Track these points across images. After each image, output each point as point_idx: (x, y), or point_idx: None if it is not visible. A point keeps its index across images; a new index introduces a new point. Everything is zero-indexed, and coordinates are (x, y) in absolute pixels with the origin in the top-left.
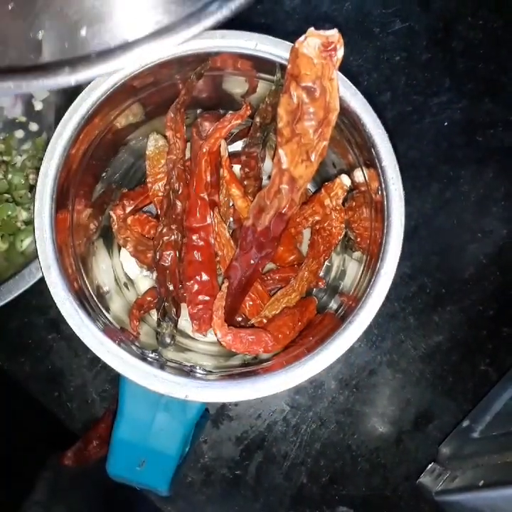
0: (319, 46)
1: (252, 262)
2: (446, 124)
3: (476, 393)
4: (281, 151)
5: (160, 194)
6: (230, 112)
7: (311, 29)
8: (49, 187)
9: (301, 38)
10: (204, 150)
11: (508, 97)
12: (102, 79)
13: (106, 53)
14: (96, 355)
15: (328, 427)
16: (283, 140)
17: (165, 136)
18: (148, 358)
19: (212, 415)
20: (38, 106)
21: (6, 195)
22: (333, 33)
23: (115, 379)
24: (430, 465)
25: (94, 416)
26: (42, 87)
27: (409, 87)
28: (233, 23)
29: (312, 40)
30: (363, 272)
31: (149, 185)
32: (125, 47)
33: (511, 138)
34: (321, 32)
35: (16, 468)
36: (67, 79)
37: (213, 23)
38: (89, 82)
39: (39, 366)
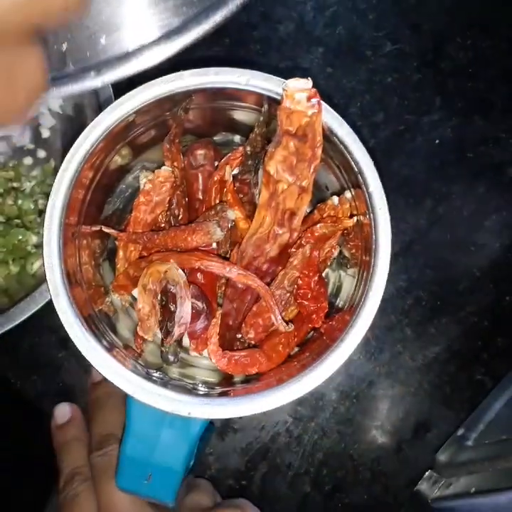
0: (305, 99)
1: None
2: (437, 141)
3: (472, 402)
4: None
5: (160, 219)
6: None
7: (289, 86)
8: (56, 218)
9: (287, 102)
10: (215, 179)
11: (498, 115)
12: (105, 115)
13: (126, 56)
14: (104, 374)
15: (330, 437)
16: (280, 188)
17: (154, 171)
18: (153, 377)
19: (218, 428)
20: (45, 133)
21: (17, 220)
22: (308, 82)
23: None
24: (427, 472)
25: None
26: (71, 92)
27: (402, 107)
28: (231, 46)
29: (299, 95)
30: (355, 287)
31: (139, 215)
32: (142, 49)
33: (501, 154)
34: (295, 82)
35: (27, 485)
36: (94, 82)
37: (221, 19)
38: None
39: (50, 384)
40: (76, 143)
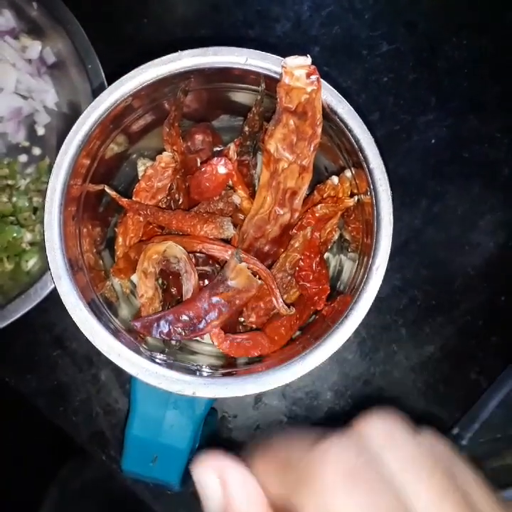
0: (304, 75)
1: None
2: (433, 141)
3: (467, 401)
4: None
5: (160, 204)
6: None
7: (288, 63)
8: (57, 201)
9: (286, 78)
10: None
11: (492, 114)
12: (104, 97)
13: None
14: (98, 370)
15: None
16: (280, 167)
17: (152, 159)
18: (157, 360)
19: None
20: (41, 131)
21: (11, 217)
22: (307, 59)
23: (118, 395)
24: None
25: (99, 428)
26: None
27: (397, 106)
28: (227, 45)
29: (298, 72)
30: (356, 269)
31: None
32: None
33: (495, 153)
34: (294, 59)
35: (23, 483)
36: None
37: None
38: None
39: (45, 382)
40: (76, 124)
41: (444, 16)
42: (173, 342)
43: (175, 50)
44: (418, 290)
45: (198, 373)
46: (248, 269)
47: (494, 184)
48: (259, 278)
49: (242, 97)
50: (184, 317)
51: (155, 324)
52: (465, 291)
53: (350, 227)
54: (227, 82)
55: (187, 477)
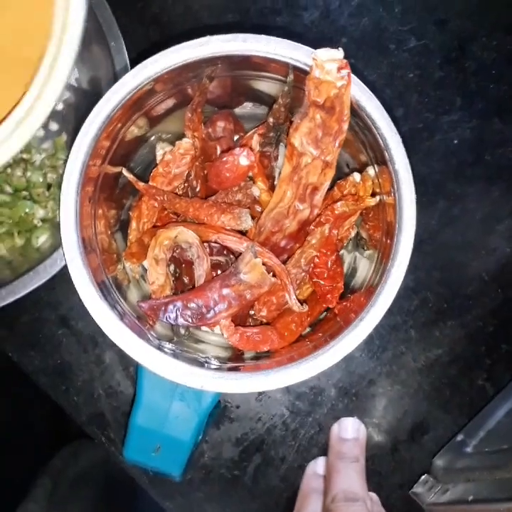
0: (335, 69)
1: None
2: (456, 142)
3: (472, 408)
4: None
5: (177, 191)
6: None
7: (318, 55)
8: (75, 180)
9: (316, 71)
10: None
11: None
12: (128, 79)
13: None
14: (102, 351)
15: (327, 432)
16: (303, 161)
17: (171, 143)
18: (165, 349)
19: (214, 416)
20: (59, 106)
21: (24, 192)
22: (340, 53)
23: (121, 378)
24: (423, 476)
25: (100, 410)
26: None
27: (422, 104)
28: (252, 32)
29: (329, 65)
30: (374, 269)
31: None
32: None
33: None
34: (326, 52)
35: (15, 470)
36: None
37: None
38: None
39: (48, 360)
40: (97, 106)
41: (475, 16)
42: (182, 331)
43: (199, 35)
44: (430, 292)
45: (206, 366)
46: (263, 264)
47: None
48: (273, 274)
49: (266, 85)
50: (192, 304)
51: (162, 308)
52: (478, 296)
53: (367, 225)
54: (252, 70)
55: (188, 468)
